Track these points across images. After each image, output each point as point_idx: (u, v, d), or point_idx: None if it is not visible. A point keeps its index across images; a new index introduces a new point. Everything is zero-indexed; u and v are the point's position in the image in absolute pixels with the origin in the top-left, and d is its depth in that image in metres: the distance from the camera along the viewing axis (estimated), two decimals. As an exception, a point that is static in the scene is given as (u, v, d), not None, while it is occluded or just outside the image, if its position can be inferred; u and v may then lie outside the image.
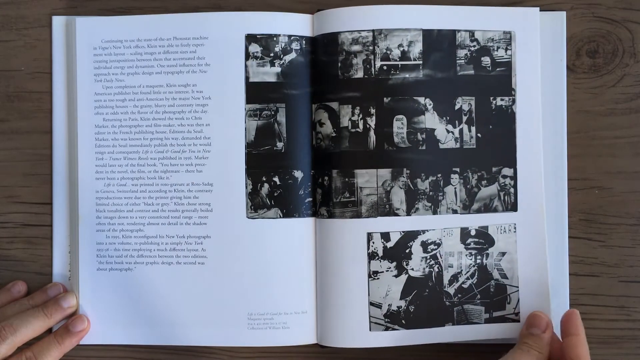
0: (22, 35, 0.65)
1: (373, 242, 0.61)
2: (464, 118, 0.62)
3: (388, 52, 0.62)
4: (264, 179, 0.63)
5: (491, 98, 0.63)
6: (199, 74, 0.63)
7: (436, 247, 0.62)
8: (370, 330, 0.62)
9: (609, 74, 0.64)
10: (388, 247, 0.62)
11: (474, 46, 0.62)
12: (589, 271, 0.64)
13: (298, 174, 0.63)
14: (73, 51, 0.64)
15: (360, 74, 0.62)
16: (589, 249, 0.64)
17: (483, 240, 0.62)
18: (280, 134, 0.63)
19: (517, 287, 0.62)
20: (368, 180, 0.62)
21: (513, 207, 0.62)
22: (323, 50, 0.62)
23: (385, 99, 0.62)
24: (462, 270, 0.62)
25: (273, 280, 0.62)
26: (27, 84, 0.65)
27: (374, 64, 0.62)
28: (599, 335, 0.64)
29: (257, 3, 0.65)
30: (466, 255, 0.62)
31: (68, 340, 0.61)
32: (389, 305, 0.62)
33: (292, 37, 0.63)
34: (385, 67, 0.62)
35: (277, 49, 0.63)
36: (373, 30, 0.62)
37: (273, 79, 0.63)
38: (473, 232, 0.62)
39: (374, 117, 0.62)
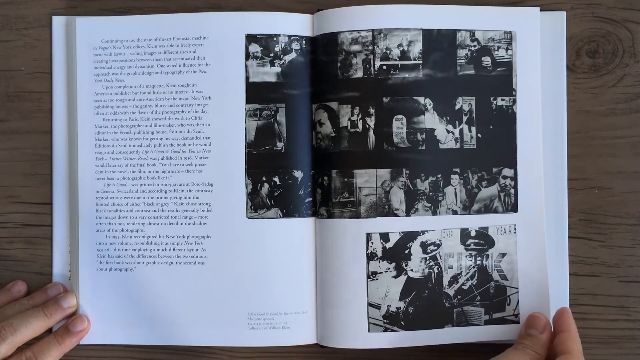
0: (22, 35, 0.65)
1: (372, 243, 0.61)
2: (464, 118, 0.62)
3: (388, 51, 0.62)
4: (264, 179, 0.62)
5: (492, 98, 0.62)
6: (199, 74, 0.63)
7: (436, 248, 0.62)
8: (368, 331, 0.61)
9: (609, 74, 0.64)
10: (387, 247, 0.61)
11: (475, 46, 0.62)
12: (589, 271, 0.64)
13: (298, 174, 0.63)
14: (73, 51, 0.64)
15: (359, 74, 0.62)
16: (589, 249, 0.64)
17: (483, 241, 0.62)
18: (280, 134, 0.63)
19: (517, 288, 0.62)
20: (367, 180, 0.61)
21: (513, 208, 0.62)
22: (323, 50, 0.62)
23: (384, 98, 0.62)
24: (461, 271, 0.62)
25: (273, 280, 0.62)
26: (27, 84, 0.65)
27: (374, 64, 0.62)
28: (599, 335, 0.63)
29: (257, 3, 0.65)
30: (466, 256, 0.62)
31: (68, 340, 0.61)
32: (387, 306, 0.62)
33: (292, 37, 0.63)
34: (384, 67, 0.62)
35: (277, 49, 0.63)
36: (373, 30, 0.62)
37: (273, 79, 0.63)
38: (473, 233, 0.62)
39: (373, 117, 0.61)
